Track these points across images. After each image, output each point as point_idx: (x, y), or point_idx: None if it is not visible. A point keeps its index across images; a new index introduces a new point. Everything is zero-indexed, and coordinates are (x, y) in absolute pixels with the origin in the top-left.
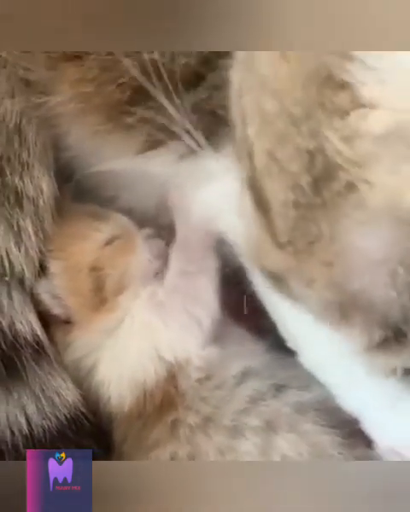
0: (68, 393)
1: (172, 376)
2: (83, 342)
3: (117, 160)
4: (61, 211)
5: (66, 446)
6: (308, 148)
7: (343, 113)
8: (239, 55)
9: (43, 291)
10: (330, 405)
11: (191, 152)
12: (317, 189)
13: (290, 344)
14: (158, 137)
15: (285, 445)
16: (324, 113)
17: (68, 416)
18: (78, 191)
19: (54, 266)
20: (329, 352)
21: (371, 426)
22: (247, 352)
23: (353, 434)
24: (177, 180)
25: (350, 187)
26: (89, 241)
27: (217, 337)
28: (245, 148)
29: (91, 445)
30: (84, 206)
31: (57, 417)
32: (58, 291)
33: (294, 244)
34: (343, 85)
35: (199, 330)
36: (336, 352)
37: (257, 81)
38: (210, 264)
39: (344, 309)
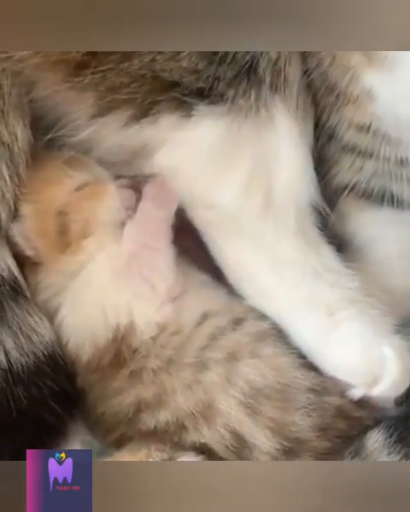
0: (45, 332)
1: (122, 337)
2: (49, 283)
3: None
4: (35, 157)
5: (44, 382)
6: None
7: None
8: None
9: (17, 233)
10: None
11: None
12: None
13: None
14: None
15: (249, 370)
16: None
17: (46, 353)
18: (52, 140)
19: (24, 209)
20: (270, 298)
21: (312, 357)
22: (207, 298)
23: None
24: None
25: None
26: (60, 186)
27: (175, 296)
28: None
29: (67, 386)
30: (61, 152)
31: (35, 354)
32: (28, 233)
33: None
34: None
35: (153, 297)
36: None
37: None
38: (167, 239)
39: None
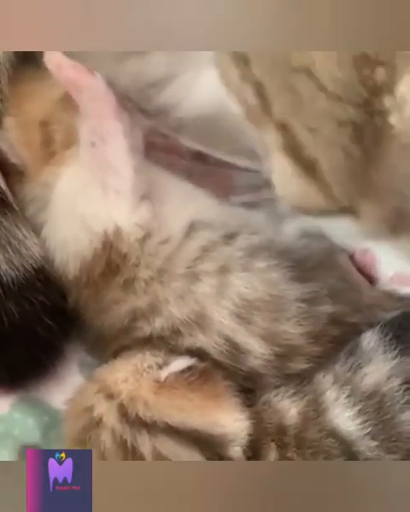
0: (33, 246)
1: (109, 245)
2: (34, 197)
3: None
4: (19, 71)
5: (35, 297)
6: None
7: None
8: None
9: (1, 141)
10: (280, 245)
11: None
12: (367, 154)
13: None
14: None
15: (240, 282)
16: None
17: (35, 267)
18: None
19: (8, 121)
20: None
21: None
22: (195, 208)
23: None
24: None
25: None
26: (41, 97)
27: (152, 197)
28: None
29: (60, 302)
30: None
31: (25, 267)
32: (13, 143)
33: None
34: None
35: (118, 198)
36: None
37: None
38: (115, 129)
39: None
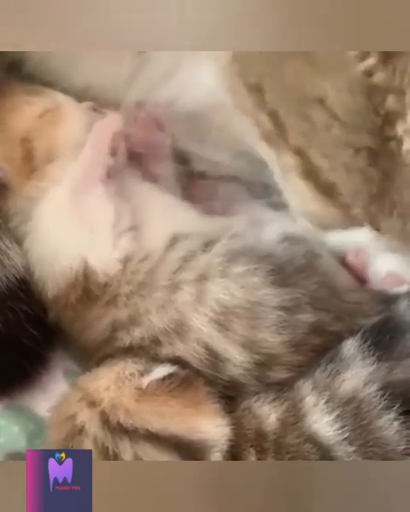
0: (16, 256)
1: (84, 278)
2: (17, 210)
3: None
4: (1, 85)
5: (18, 306)
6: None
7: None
8: None
9: None
10: (260, 250)
11: None
12: (386, 176)
13: None
14: None
15: (218, 289)
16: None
17: (18, 277)
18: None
19: None
20: None
21: None
22: (176, 221)
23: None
24: None
25: None
26: (22, 113)
27: (127, 228)
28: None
29: (41, 314)
30: (25, 85)
31: (7, 278)
32: None
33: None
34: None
35: (101, 236)
36: None
37: None
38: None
39: None
